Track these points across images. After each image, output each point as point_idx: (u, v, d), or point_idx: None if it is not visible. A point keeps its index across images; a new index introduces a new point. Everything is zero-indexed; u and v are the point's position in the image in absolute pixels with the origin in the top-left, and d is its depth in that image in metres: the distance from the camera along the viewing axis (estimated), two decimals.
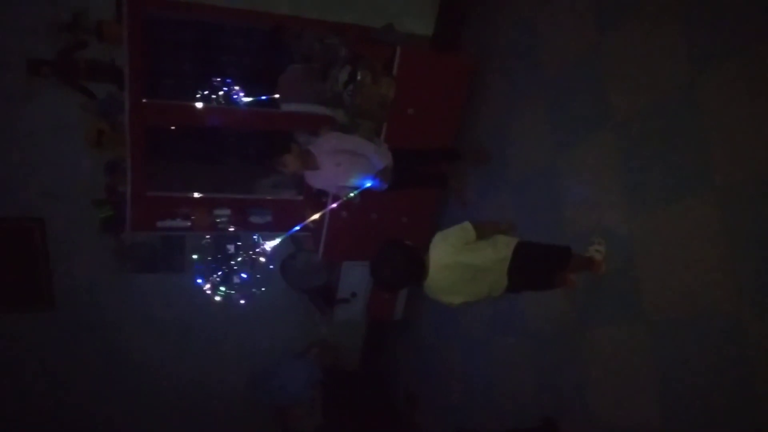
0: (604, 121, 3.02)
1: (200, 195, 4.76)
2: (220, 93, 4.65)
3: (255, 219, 4.72)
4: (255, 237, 4.49)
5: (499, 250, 2.57)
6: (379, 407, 5.36)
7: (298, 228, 4.30)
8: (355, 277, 4.95)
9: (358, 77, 3.97)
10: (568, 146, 3.32)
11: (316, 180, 3.88)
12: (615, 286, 2.93)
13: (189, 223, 4.65)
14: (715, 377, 2.43)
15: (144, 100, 4.13)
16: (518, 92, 3.83)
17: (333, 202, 4.19)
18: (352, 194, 3.74)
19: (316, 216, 4.29)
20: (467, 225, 2.54)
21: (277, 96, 4.60)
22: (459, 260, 2.51)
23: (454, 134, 4.34)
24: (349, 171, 3.74)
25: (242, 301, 4.34)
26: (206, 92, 4.58)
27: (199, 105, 4.40)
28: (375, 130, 4.21)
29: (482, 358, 4.17)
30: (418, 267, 2.51)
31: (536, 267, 2.68)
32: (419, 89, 4.09)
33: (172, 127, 4.88)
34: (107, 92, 4.07)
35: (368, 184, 3.76)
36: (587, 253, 2.93)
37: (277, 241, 4.04)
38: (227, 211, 4.68)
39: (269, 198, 4.92)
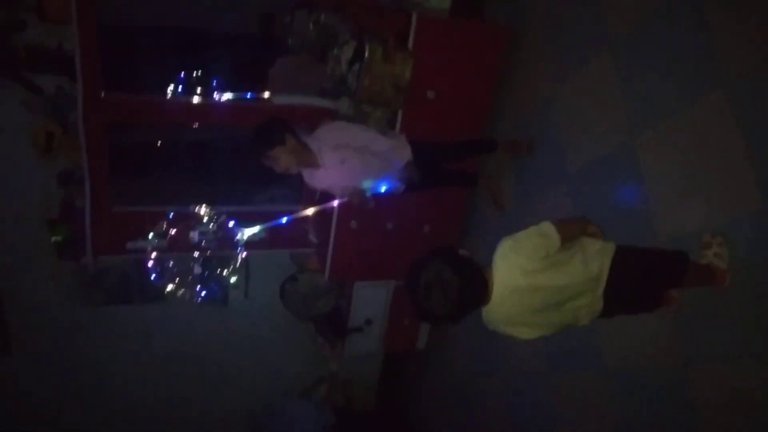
0: (710, 81, 2.22)
1: (180, 209, 3.98)
2: (201, 87, 3.90)
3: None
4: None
5: (592, 262, 1.76)
6: None
7: (287, 219, 3.42)
8: (368, 300, 4.14)
9: (366, 54, 3.19)
10: (654, 119, 2.51)
11: (316, 180, 3.11)
12: (741, 304, 2.10)
13: (165, 243, 3.86)
14: None
15: (103, 94, 3.36)
16: (569, 61, 3.04)
17: (336, 203, 3.35)
18: (364, 197, 2.95)
19: (309, 210, 3.43)
20: (547, 228, 1.72)
21: (267, 93, 3.86)
22: (538, 283, 1.70)
23: (485, 121, 3.54)
24: (357, 169, 2.97)
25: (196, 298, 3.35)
26: (184, 85, 3.83)
27: (173, 99, 3.64)
28: (387, 118, 3.43)
29: (538, 396, 3.33)
30: (481, 289, 1.69)
31: (641, 283, 1.87)
32: (441, 67, 3.32)
33: (158, 143, 4.18)
34: (56, 86, 3.30)
35: (384, 188, 2.98)
36: (703, 258, 2.11)
37: (257, 229, 3.12)
38: (212, 227, 3.88)
39: (262, 210, 4.13)
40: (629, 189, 2.64)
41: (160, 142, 4.15)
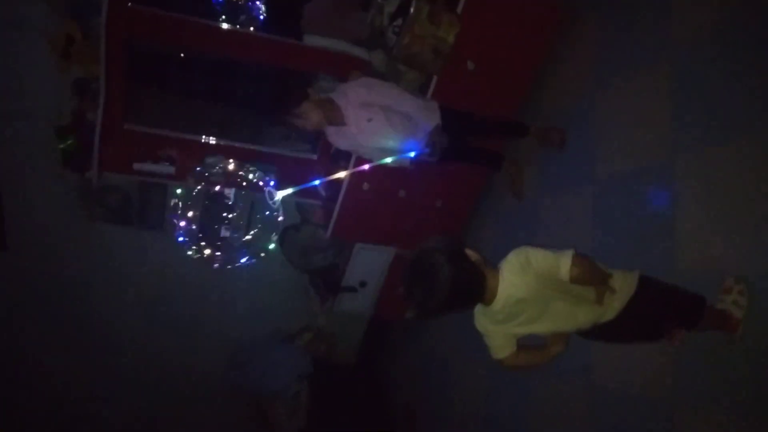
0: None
1: (191, 137, 3.87)
2: (233, 15, 3.70)
3: None
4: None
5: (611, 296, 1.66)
6: (372, 416, 4.55)
7: (317, 182, 3.42)
8: (366, 262, 4.06)
9: (411, 10, 2.98)
10: (701, 144, 2.32)
11: (340, 138, 2.98)
12: (745, 357, 2.00)
13: (173, 169, 3.78)
14: None
15: (129, 4, 3.19)
16: (624, 61, 2.83)
17: (357, 167, 3.27)
18: (391, 160, 2.84)
19: (342, 173, 3.34)
20: (567, 259, 1.57)
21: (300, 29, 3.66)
22: (544, 293, 1.62)
23: (520, 103, 3.36)
24: (383, 128, 2.83)
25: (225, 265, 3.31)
26: (212, 9, 3.63)
27: (201, 22, 3.46)
28: (420, 82, 3.25)
29: (515, 395, 3.29)
30: (477, 287, 1.60)
31: (652, 317, 1.77)
32: (487, 38, 3.12)
33: (182, 55, 4.01)
34: None
35: (411, 153, 2.85)
36: (720, 303, 1.99)
37: (289, 191, 3.05)
38: (221, 160, 3.78)
39: (275, 152, 4.02)
40: (657, 209, 2.48)
41: (180, 54, 3.97)
